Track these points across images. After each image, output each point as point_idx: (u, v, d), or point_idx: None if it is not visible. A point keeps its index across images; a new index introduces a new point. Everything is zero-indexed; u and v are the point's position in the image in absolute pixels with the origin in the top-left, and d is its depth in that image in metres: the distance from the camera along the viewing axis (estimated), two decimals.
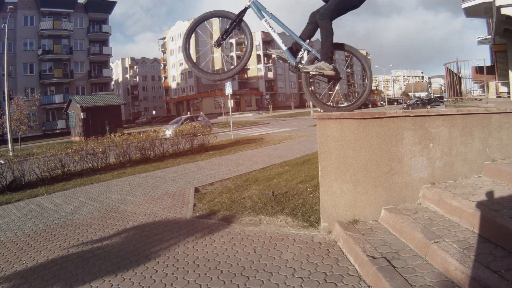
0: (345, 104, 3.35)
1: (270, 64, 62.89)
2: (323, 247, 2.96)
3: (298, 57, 3.08)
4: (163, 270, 2.86)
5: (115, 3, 42.19)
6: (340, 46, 3.13)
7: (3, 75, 23.26)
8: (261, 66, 62.13)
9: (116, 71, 71.27)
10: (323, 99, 3.46)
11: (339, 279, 2.40)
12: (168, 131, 16.13)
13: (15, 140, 19.39)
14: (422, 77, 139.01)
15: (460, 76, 10.74)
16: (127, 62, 74.20)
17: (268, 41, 63.17)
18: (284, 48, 3.08)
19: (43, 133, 34.51)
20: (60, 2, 36.86)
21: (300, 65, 3.04)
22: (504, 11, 9.61)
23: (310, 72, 3.00)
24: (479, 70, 13.42)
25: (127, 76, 73.92)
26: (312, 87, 3.42)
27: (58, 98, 36.65)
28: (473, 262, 1.99)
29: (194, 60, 3.09)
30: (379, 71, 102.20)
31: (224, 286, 2.51)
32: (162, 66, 70.62)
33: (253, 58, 62.73)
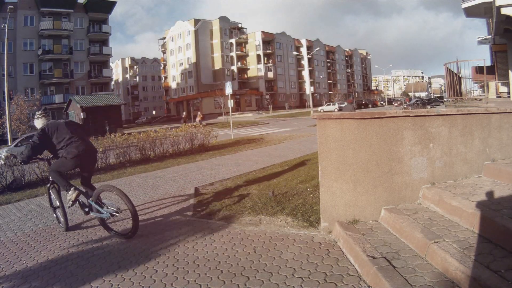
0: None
1: (270, 64, 62.89)
2: (323, 247, 2.96)
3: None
4: (163, 270, 2.86)
5: (115, 3, 42.15)
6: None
7: (3, 75, 23.27)
8: (261, 66, 62.11)
9: (116, 71, 71.30)
10: None
11: (339, 279, 2.40)
12: (1, 154, 12.05)
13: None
14: (422, 77, 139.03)
15: (460, 76, 10.72)
16: (127, 62, 74.22)
17: (268, 41, 63.23)
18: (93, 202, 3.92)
19: None
20: (60, 2, 36.82)
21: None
22: (504, 11, 9.62)
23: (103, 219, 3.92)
24: (479, 70, 13.42)
25: (127, 76, 73.96)
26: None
27: (58, 98, 36.62)
28: (473, 262, 1.99)
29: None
30: (379, 71, 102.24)
31: (224, 286, 2.51)
32: (162, 66, 70.62)
33: (253, 58, 62.73)
